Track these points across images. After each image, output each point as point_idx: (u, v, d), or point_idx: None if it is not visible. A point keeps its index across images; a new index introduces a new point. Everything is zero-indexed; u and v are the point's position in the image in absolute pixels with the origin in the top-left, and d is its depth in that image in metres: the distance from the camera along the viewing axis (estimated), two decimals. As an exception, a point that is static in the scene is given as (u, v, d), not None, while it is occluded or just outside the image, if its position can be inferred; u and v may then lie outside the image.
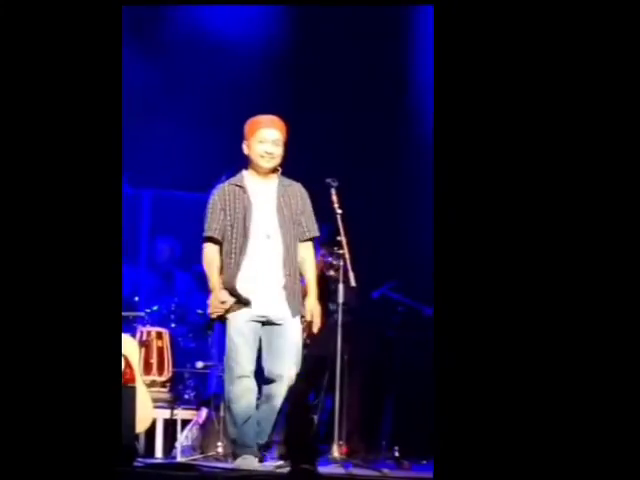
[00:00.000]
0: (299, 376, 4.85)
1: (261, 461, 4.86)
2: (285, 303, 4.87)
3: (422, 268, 6.10)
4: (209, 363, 6.86)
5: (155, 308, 7.21)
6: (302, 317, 4.93)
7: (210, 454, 6.07)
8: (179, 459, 6.11)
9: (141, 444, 6.34)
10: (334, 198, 5.36)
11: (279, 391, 4.82)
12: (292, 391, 4.74)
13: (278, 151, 4.94)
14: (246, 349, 4.81)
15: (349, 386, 6.28)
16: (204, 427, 6.38)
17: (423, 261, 6.02)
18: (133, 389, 5.16)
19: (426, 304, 7.09)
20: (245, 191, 4.93)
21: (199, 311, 7.00)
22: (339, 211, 5.32)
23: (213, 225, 4.91)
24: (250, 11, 7.86)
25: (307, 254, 5.04)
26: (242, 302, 4.82)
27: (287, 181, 5.03)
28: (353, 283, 5.32)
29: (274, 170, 4.99)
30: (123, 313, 5.86)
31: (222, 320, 4.88)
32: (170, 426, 6.63)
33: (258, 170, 4.97)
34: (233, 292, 4.83)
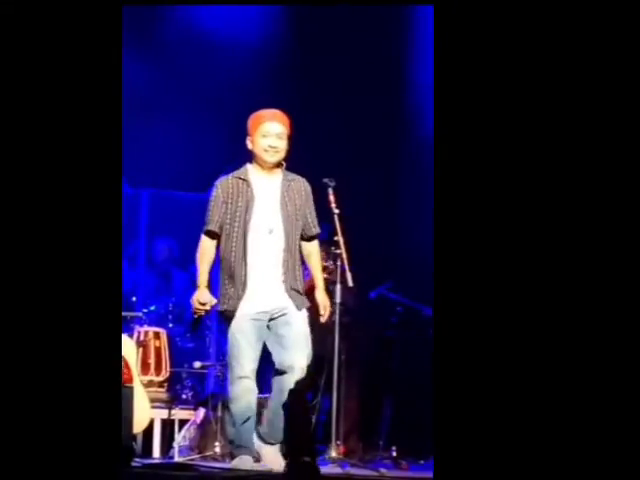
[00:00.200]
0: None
1: (257, 461, 4.85)
2: (286, 296, 4.83)
3: (420, 268, 6.12)
4: (207, 363, 6.87)
5: (153, 308, 7.22)
6: (308, 309, 4.89)
7: (207, 454, 6.08)
8: (177, 459, 6.11)
9: (139, 444, 6.34)
10: (331, 198, 5.35)
11: (290, 383, 4.72)
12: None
13: (282, 145, 4.89)
14: (247, 348, 4.77)
15: (347, 386, 6.30)
16: (202, 427, 6.37)
17: (421, 261, 6.05)
18: (131, 389, 5.15)
19: (424, 304, 7.09)
20: (249, 185, 4.89)
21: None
22: (336, 211, 5.31)
23: (214, 218, 4.88)
24: (250, 11, 7.87)
25: (313, 248, 5.03)
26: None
27: (291, 175, 4.99)
28: (350, 283, 5.32)
29: (278, 165, 4.95)
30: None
31: (228, 318, 4.85)
32: (168, 426, 6.64)
33: (262, 165, 4.92)
34: (230, 287, 4.82)
